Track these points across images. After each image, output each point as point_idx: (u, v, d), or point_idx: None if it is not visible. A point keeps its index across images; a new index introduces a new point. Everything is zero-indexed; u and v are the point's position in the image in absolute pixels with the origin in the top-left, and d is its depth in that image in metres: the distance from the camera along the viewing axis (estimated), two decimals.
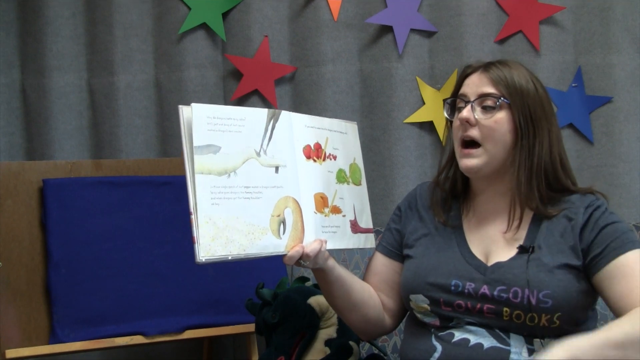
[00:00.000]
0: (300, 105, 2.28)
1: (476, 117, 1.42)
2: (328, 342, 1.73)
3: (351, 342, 1.73)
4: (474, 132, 1.43)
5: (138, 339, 1.90)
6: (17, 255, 1.87)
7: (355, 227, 1.54)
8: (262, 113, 1.42)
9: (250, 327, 1.91)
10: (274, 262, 2.04)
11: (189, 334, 1.95)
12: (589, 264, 1.38)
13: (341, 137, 1.57)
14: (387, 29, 2.27)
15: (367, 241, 1.57)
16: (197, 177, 1.30)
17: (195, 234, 1.29)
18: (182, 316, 1.95)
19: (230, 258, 1.31)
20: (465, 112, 1.43)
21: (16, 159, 2.34)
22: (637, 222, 2.05)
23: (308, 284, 1.85)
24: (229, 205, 1.32)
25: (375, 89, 2.29)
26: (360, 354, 1.80)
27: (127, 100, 2.33)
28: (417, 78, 2.26)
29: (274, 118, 1.43)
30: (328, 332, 1.74)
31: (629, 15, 2.21)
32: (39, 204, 1.92)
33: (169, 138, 2.32)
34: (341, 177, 1.54)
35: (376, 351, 1.89)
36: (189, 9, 2.29)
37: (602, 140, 2.23)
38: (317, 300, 1.74)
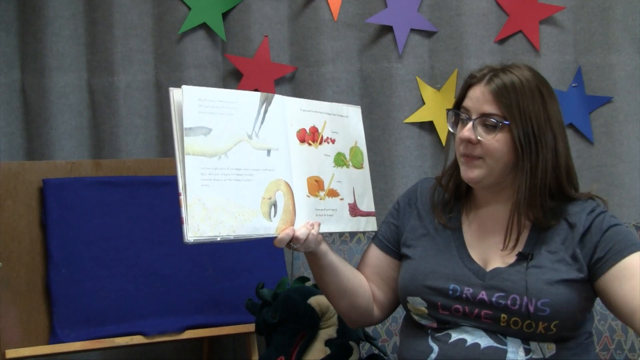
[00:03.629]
0: None
1: (478, 137, 1.39)
2: (328, 342, 1.73)
3: (351, 342, 1.73)
4: (476, 151, 1.40)
5: (138, 339, 1.90)
6: (17, 255, 1.87)
7: (354, 211, 1.55)
8: (254, 96, 1.44)
9: (250, 327, 1.91)
10: (274, 262, 2.06)
11: (189, 334, 1.95)
12: (592, 269, 1.37)
13: (341, 120, 1.58)
14: (387, 29, 2.27)
15: (368, 224, 1.58)
16: (187, 158, 1.32)
17: (183, 215, 1.31)
18: (182, 316, 1.95)
19: (219, 239, 1.33)
20: (467, 132, 1.40)
21: (16, 159, 2.34)
22: (637, 222, 2.05)
23: (308, 284, 1.85)
24: (219, 187, 1.34)
25: (375, 89, 2.29)
26: (360, 354, 1.80)
27: (127, 100, 2.33)
28: (417, 78, 2.26)
29: (266, 102, 1.45)
30: (328, 332, 1.74)
31: (629, 15, 2.22)
32: (39, 204, 1.92)
33: (168, 138, 2.32)
34: (340, 161, 1.55)
35: (376, 351, 1.89)
36: (189, 9, 2.29)
37: (602, 140, 2.23)
38: (317, 300, 1.74)
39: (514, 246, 1.42)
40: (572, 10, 2.23)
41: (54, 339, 1.85)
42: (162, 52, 2.34)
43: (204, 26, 2.30)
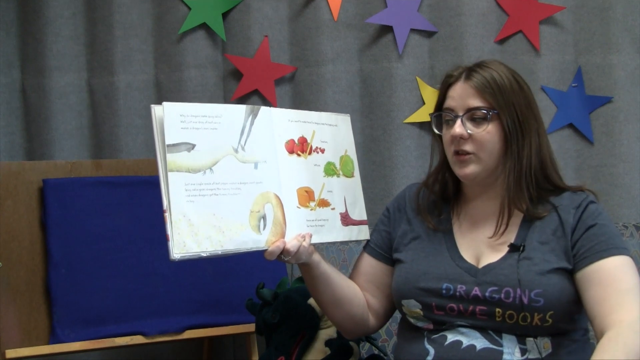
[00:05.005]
0: (300, 105, 2.28)
1: (469, 131, 1.42)
2: (328, 343, 1.73)
3: (351, 343, 1.73)
4: (467, 146, 1.42)
5: (138, 339, 1.90)
6: (17, 255, 1.87)
7: (346, 220, 1.55)
8: (239, 109, 1.44)
9: (250, 327, 1.91)
10: (274, 262, 2.05)
11: (189, 334, 1.95)
12: (574, 262, 1.38)
13: (330, 129, 1.58)
14: (387, 29, 2.27)
15: (361, 233, 1.58)
16: (170, 175, 1.31)
17: (169, 232, 1.30)
18: (182, 316, 1.95)
19: (206, 255, 1.33)
20: (458, 129, 1.42)
21: (16, 159, 2.34)
22: (637, 222, 2.05)
23: None
24: (205, 202, 1.34)
25: (375, 89, 2.29)
26: (360, 354, 1.80)
27: (127, 100, 2.33)
28: (417, 78, 2.26)
29: (252, 114, 1.45)
30: (328, 332, 1.74)
31: (629, 15, 2.21)
32: (39, 204, 1.92)
33: None
34: (330, 170, 1.55)
35: (376, 351, 1.89)
36: (189, 9, 2.29)
37: (602, 140, 2.23)
38: None
39: (504, 232, 1.42)
40: (572, 10, 2.23)
41: (54, 339, 1.85)
42: (162, 52, 2.34)
43: (204, 26, 2.30)
